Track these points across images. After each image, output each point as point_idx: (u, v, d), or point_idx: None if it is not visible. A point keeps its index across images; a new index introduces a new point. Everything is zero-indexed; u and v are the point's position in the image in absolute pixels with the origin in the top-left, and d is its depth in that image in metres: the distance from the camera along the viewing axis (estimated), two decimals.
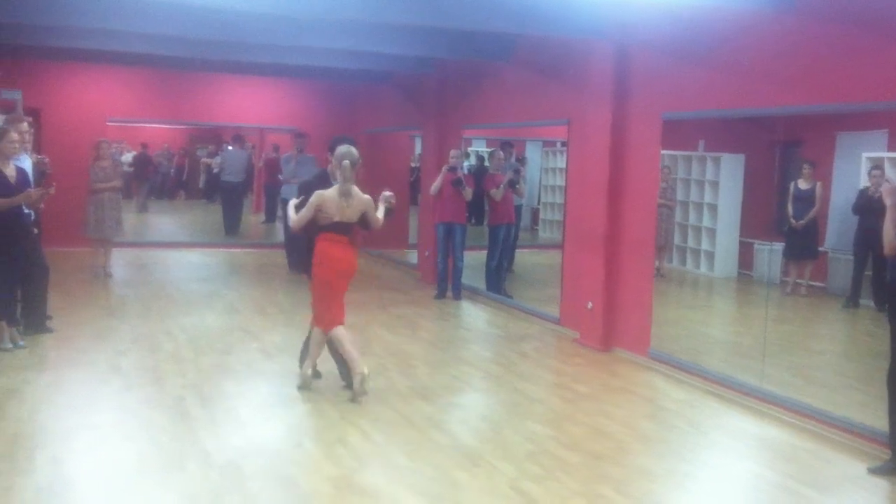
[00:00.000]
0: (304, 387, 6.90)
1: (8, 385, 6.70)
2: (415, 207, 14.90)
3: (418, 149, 15.17)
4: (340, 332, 6.84)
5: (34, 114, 13.47)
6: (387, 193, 7.11)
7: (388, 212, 7.07)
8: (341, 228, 6.72)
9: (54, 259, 10.25)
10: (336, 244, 6.75)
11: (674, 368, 7.84)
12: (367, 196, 6.78)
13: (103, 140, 12.36)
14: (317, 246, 6.79)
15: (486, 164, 13.29)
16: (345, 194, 6.61)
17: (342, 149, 6.73)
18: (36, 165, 8.41)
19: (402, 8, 7.87)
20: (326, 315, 6.86)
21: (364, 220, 6.86)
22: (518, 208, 12.05)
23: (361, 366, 6.66)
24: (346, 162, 6.61)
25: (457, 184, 11.01)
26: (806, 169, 8.32)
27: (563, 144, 10.58)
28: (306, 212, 6.69)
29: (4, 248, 7.59)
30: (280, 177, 13.66)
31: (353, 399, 6.62)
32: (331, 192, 6.65)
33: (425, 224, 12.89)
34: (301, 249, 13.14)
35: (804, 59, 6.58)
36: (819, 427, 6.30)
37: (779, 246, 8.58)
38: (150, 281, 12.22)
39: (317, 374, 7.11)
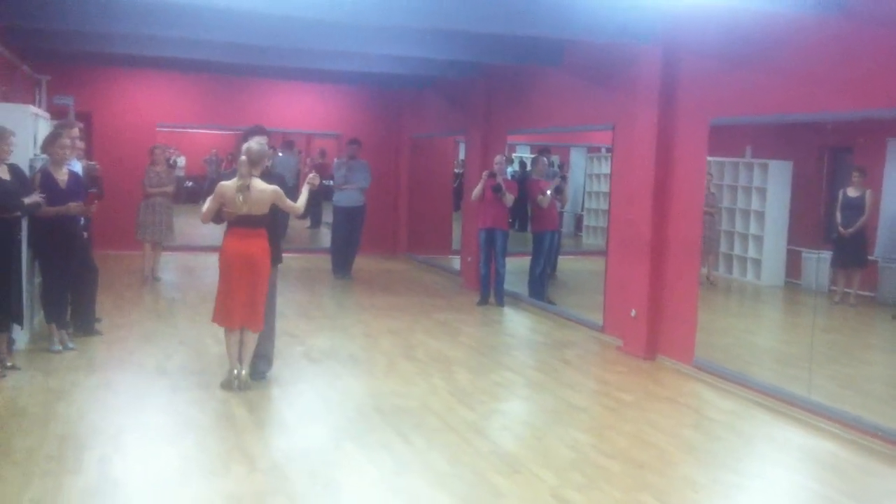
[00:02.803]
0: (225, 385, 6.91)
1: (57, 386, 6.83)
2: (458, 213, 14.94)
3: (461, 154, 15.20)
4: (226, 333, 6.92)
5: (86, 119, 13.72)
6: (310, 175, 7.23)
7: (311, 194, 7.15)
8: (245, 221, 6.72)
9: (104, 262, 10.45)
10: (236, 236, 6.76)
11: (719, 378, 7.75)
12: (271, 187, 6.74)
13: (157, 145, 12.56)
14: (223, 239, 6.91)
15: (529, 169, 13.27)
16: (241, 189, 6.60)
17: (245, 144, 6.80)
18: (86, 170, 8.55)
19: (448, 13, 7.88)
20: (216, 307, 6.91)
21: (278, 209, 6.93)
22: (560, 215, 12.01)
23: (243, 368, 6.88)
24: (243, 158, 6.65)
25: (497, 189, 11.00)
26: (856, 176, 8.17)
27: (608, 150, 10.52)
28: (210, 203, 6.76)
29: (55, 253, 7.75)
30: (331, 183, 13.72)
31: (222, 385, 6.91)
32: (230, 185, 6.67)
33: (468, 230, 12.91)
34: (348, 254, 13.43)
35: (854, 63, 6.48)
36: (866, 439, 6.18)
37: (827, 254, 8.44)
38: (198, 285, 12.36)
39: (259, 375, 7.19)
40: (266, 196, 6.71)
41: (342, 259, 13.46)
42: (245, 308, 6.79)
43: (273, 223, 6.98)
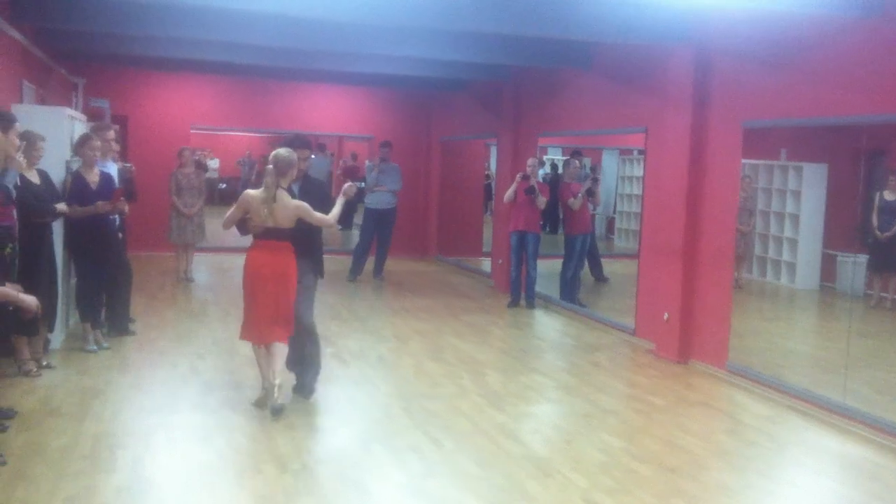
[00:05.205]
0: (259, 404, 6.47)
1: (92, 385, 6.91)
2: (488, 216, 14.91)
3: (493, 157, 15.18)
4: (254, 349, 6.59)
5: (122, 121, 13.87)
6: (346, 185, 6.79)
7: (347, 204, 6.78)
8: (271, 234, 6.32)
9: (138, 263, 10.56)
10: (259, 249, 6.40)
11: (753, 382, 7.67)
12: (295, 202, 6.31)
13: (185, 147, 12.65)
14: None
15: (560, 172, 13.23)
16: (266, 201, 6.22)
17: (273, 151, 6.41)
18: (121, 173, 8.65)
19: (479, 16, 7.87)
20: (243, 321, 6.57)
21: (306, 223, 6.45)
22: (592, 217, 11.95)
23: (272, 378, 6.33)
24: (269, 167, 6.26)
25: (530, 192, 10.98)
26: (892, 180, 8.06)
27: (641, 153, 10.46)
28: (233, 211, 6.44)
29: (90, 254, 7.85)
30: (362, 185, 13.72)
31: (255, 403, 6.51)
32: (255, 196, 6.31)
33: (499, 232, 12.88)
34: (379, 256, 13.40)
35: (891, 66, 6.38)
36: None
37: (863, 258, 8.33)
38: (231, 285, 12.42)
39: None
40: (290, 211, 6.30)
41: (362, 262, 13.36)
42: (268, 323, 6.37)
43: (310, 235, 6.55)
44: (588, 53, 10.46)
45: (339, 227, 12.09)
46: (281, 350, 6.41)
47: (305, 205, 6.36)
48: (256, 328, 6.43)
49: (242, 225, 6.49)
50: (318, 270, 6.78)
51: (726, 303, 8.15)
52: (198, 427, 6.07)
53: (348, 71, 13.06)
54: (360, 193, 14.13)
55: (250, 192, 6.38)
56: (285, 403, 6.37)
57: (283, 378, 6.47)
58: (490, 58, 10.58)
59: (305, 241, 6.50)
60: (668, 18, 8.22)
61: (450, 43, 9.94)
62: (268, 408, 6.32)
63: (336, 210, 6.55)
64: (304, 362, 6.79)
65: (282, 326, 6.40)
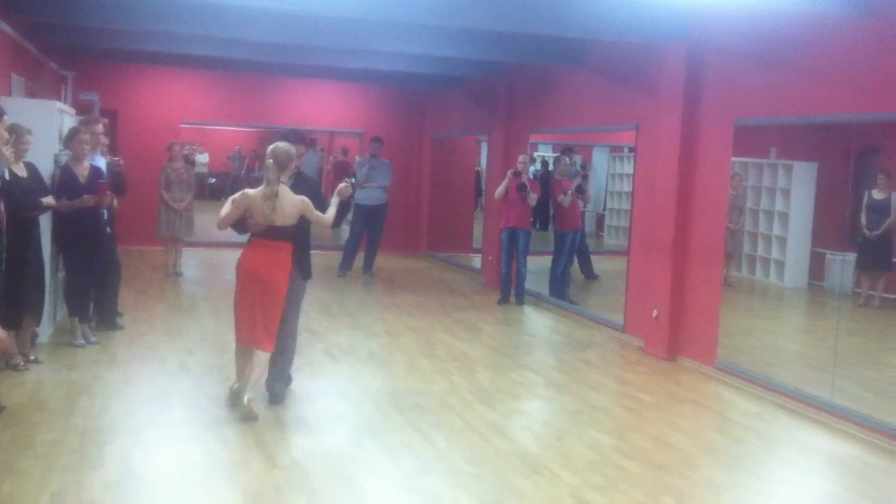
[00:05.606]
0: (231, 400, 6.27)
1: (80, 380, 6.87)
2: (479, 212, 14.90)
3: (483, 153, 15.18)
4: (236, 344, 6.42)
5: (111, 115, 13.80)
6: (341, 185, 6.56)
7: (342, 205, 6.56)
8: (270, 233, 6.10)
9: (127, 257, 10.51)
10: (256, 248, 6.18)
11: (741, 380, 7.69)
12: (299, 197, 6.12)
13: (175, 142, 12.61)
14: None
15: (551, 169, 13.24)
16: (267, 198, 5.96)
17: (271, 145, 6.17)
18: (109, 166, 8.60)
19: (475, 12, 7.85)
20: (236, 326, 6.38)
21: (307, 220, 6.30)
22: (582, 214, 11.96)
23: (247, 391, 6.10)
24: (270, 161, 6.03)
25: (521, 189, 10.97)
26: (881, 178, 8.09)
27: (631, 150, 10.47)
28: (231, 210, 6.13)
29: (79, 248, 7.81)
30: (352, 181, 13.65)
31: (227, 401, 6.39)
32: (255, 194, 6.03)
33: (490, 229, 12.88)
34: (369, 252, 13.39)
35: (881, 65, 6.40)
36: (891, 444, 6.11)
37: (851, 256, 8.36)
38: (220, 280, 12.40)
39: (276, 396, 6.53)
40: (294, 207, 6.11)
41: (352, 257, 13.36)
42: (255, 326, 6.16)
43: (301, 235, 6.41)
44: (583, 51, 10.45)
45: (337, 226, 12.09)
46: (261, 360, 6.18)
47: (308, 200, 6.21)
48: (244, 329, 6.26)
49: (240, 224, 6.27)
50: (304, 271, 6.62)
51: (715, 300, 8.17)
52: (187, 423, 6.05)
53: (340, 66, 13.02)
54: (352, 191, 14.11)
55: (249, 191, 6.09)
56: (258, 415, 6.10)
57: (257, 392, 6.27)
58: (485, 54, 10.56)
59: (295, 240, 6.36)
60: (663, 16, 8.22)
61: (445, 39, 9.92)
62: (237, 412, 6.14)
63: (332, 210, 6.39)
64: (276, 369, 6.54)
65: (268, 333, 6.20)
